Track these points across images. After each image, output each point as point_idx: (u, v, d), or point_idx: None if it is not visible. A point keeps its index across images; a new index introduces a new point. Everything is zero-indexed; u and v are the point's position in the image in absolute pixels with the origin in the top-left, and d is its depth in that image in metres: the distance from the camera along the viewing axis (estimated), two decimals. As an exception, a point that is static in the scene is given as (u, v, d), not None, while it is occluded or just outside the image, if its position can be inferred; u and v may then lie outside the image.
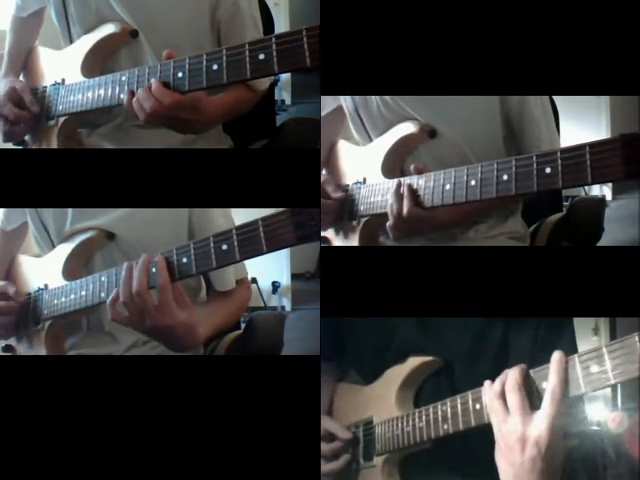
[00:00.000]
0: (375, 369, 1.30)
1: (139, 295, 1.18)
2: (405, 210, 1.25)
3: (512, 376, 0.96)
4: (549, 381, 0.93)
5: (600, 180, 1.04)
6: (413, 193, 1.25)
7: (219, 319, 1.43)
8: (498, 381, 0.98)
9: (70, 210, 1.40)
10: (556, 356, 0.94)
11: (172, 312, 1.18)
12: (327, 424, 1.30)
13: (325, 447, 1.28)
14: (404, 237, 1.30)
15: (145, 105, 1.21)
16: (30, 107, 1.40)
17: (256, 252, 1.12)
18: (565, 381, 0.93)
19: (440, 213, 1.26)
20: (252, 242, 1.12)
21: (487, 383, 1.00)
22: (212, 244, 1.15)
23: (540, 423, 0.91)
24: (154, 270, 1.18)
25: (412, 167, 1.28)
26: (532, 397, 0.95)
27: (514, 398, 0.95)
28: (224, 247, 1.14)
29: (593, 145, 1.02)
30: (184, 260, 1.17)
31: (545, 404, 0.92)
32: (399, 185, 1.28)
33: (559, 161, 1.05)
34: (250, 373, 1.26)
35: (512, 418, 0.94)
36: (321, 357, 1.27)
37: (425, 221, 1.27)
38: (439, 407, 1.12)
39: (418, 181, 1.25)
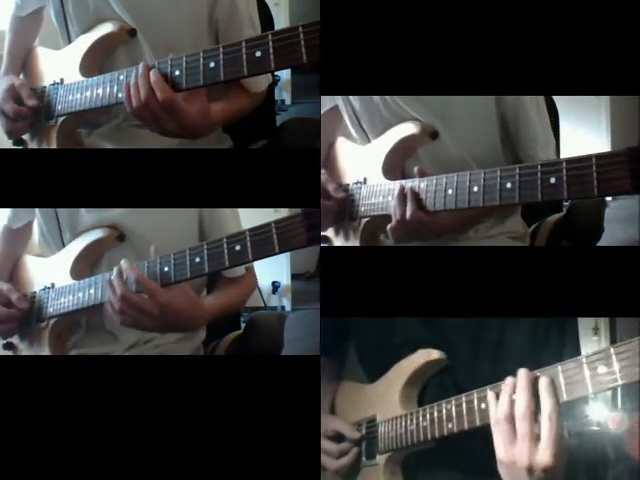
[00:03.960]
0: (379, 367, 1.30)
1: (123, 298, 1.24)
2: (409, 213, 1.25)
3: (522, 402, 0.96)
4: (542, 406, 0.95)
5: (607, 193, 1.03)
6: (416, 197, 1.25)
7: (225, 299, 1.45)
8: (506, 401, 0.98)
9: (81, 209, 1.40)
10: (544, 380, 0.96)
11: (161, 293, 1.23)
12: (335, 424, 1.30)
13: (334, 447, 1.28)
14: (405, 240, 1.30)
15: (141, 93, 1.22)
16: (27, 102, 1.39)
17: (268, 253, 1.16)
18: (558, 403, 0.94)
19: (442, 217, 1.26)
20: (265, 243, 1.16)
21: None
22: (225, 245, 1.19)
23: (546, 452, 0.93)
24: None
25: (415, 169, 1.28)
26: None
27: (524, 427, 0.95)
28: (237, 248, 1.18)
29: (599, 157, 1.02)
30: (197, 260, 1.21)
31: (544, 432, 0.93)
32: (402, 188, 1.27)
33: (564, 172, 1.04)
34: (250, 373, 1.26)
35: (520, 445, 0.95)
36: (321, 356, 1.27)
37: (428, 225, 1.26)
38: (444, 406, 1.12)
39: (420, 184, 1.25)
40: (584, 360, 0.93)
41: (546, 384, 0.95)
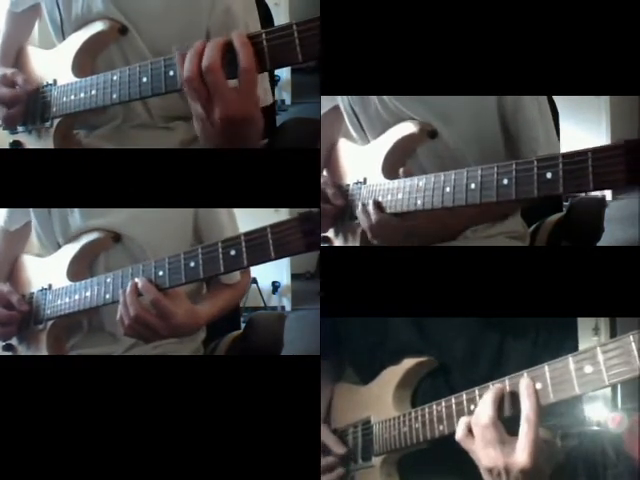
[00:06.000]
0: (373, 369, 1.30)
1: (137, 319, 1.23)
2: (373, 219, 1.28)
3: (485, 412, 0.98)
4: (522, 407, 0.95)
5: (602, 186, 1.03)
6: (378, 205, 1.28)
7: (220, 304, 1.45)
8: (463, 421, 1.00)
9: (76, 210, 1.40)
10: (524, 382, 0.96)
11: (176, 315, 1.24)
12: (324, 436, 1.30)
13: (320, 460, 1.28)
14: (381, 241, 1.31)
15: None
16: (23, 86, 1.37)
17: (264, 258, 1.14)
18: (538, 404, 0.94)
19: (413, 220, 1.26)
20: (260, 248, 1.13)
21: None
22: (220, 249, 1.17)
23: (522, 452, 0.93)
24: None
25: (401, 171, 1.28)
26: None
27: (490, 434, 0.96)
28: (232, 253, 1.15)
29: (595, 151, 1.01)
30: (192, 264, 1.19)
31: (522, 432, 0.94)
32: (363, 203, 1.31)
33: (560, 166, 1.04)
34: (250, 373, 1.26)
35: (494, 450, 0.96)
36: (321, 357, 1.27)
37: (397, 228, 1.28)
38: (434, 408, 1.12)
39: (418, 182, 1.25)
40: (571, 360, 0.92)
41: (525, 386, 0.95)
